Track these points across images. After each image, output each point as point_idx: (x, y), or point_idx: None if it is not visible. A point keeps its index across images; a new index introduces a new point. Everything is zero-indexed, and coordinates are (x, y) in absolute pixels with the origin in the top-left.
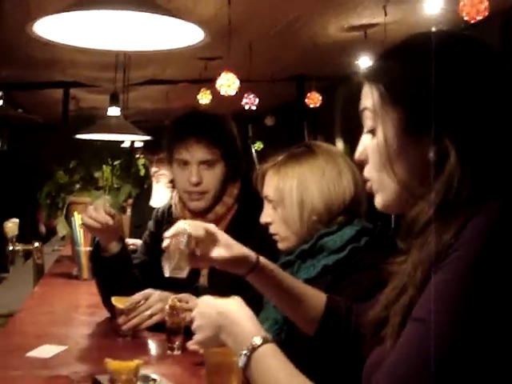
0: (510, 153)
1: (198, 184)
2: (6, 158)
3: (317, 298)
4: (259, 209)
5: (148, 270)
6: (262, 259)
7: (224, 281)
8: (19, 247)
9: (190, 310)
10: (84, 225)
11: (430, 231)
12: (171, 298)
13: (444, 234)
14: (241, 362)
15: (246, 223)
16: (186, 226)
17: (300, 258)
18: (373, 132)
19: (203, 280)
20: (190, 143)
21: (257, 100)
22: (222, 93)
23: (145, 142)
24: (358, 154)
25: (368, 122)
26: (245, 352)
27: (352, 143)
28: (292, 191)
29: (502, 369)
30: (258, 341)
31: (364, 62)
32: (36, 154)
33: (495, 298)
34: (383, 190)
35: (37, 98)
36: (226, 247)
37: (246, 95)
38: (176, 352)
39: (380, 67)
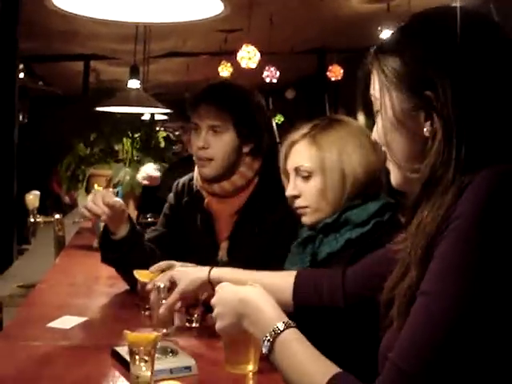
0: (502, 122)
1: (203, 148)
2: (26, 130)
3: (280, 288)
4: (281, 184)
5: (167, 243)
6: (212, 273)
7: (243, 254)
8: (40, 219)
9: None
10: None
11: (424, 207)
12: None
13: (439, 208)
14: (264, 347)
15: (267, 198)
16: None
17: (322, 232)
18: (378, 113)
19: (222, 254)
20: (201, 107)
21: (277, 73)
22: (242, 65)
23: (180, 109)
24: (373, 134)
25: (374, 104)
26: (268, 337)
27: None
28: (333, 159)
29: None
30: (280, 326)
31: (386, 34)
32: (56, 127)
33: (498, 263)
34: (392, 166)
35: (57, 70)
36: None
37: (266, 68)
38: (194, 324)
39: (380, 51)
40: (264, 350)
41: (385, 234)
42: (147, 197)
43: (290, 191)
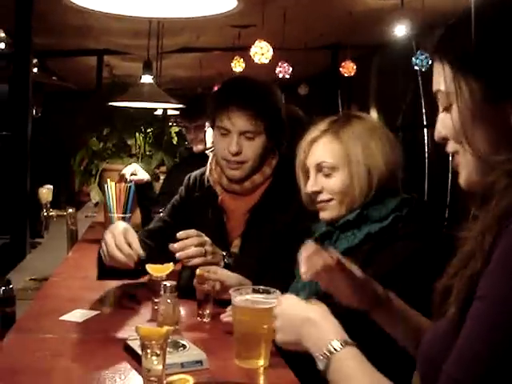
0: None
1: (237, 154)
2: (40, 125)
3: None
4: (295, 183)
5: (171, 234)
6: (391, 295)
7: (255, 253)
8: (53, 213)
9: (219, 280)
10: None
11: (498, 197)
12: (199, 268)
13: (509, 200)
14: (321, 364)
15: (280, 194)
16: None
17: (340, 228)
18: (448, 108)
19: (235, 250)
20: (233, 112)
21: (290, 69)
22: (255, 61)
23: (182, 109)
24: (437, 133)
25: (442, 100)
26: (325, 355)
27: (386, 113)
28: (358, 154)
29: None
30: (337, 344)
31: (400, 30)
32: (70, 121)
33: None
34: (466, 163)
35: (71, 65)
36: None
37: (279, 64)
38: (206, 319)
39: (450, 39)
40: (320, 367)
41: (402, 227)
42: (142, 193)
43: (311, 187)
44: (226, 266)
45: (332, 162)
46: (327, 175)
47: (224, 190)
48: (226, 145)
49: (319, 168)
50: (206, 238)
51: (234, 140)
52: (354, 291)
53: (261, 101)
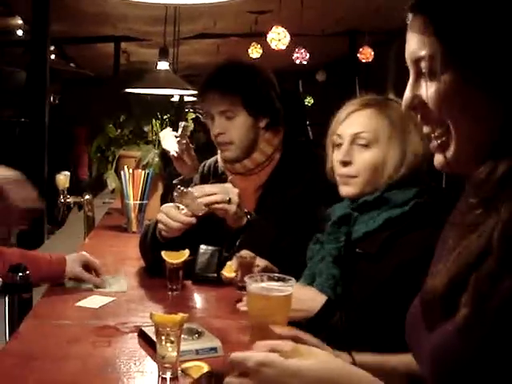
0: None
1: (220, 134)
2: (57, 111)
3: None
4: (304, 159)
5: None
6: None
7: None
8: (70, 199)
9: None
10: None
11: None
12: (237, 254)
13: None
14: None
15: (290, 171)
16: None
17: (358, 210)
18: None
19: None
20: (207, 95)
21: (308, 55)
22: (272, 47)
23: None
24: None
25: None
26: None
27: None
28: (398, 134)
29: None
30: None
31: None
32: (87, 108)
33: None
34: None
35: (88, 52)
36: None
37: (297, 50)
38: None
39: None
40: None
41: (424, 216)
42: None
43: (342, 156)
44: (249, 224)
45: (370, 135)
46: (362, 147)
47: (232, 172)
48: (212, 128)
49: (354, 139)
50: (232, 189)
51: (216, 121)
52: None
53: (231, 79)
